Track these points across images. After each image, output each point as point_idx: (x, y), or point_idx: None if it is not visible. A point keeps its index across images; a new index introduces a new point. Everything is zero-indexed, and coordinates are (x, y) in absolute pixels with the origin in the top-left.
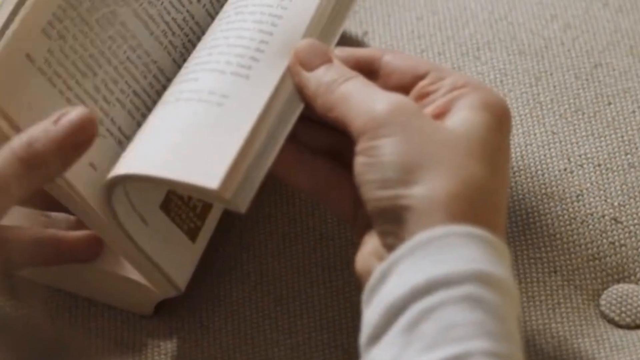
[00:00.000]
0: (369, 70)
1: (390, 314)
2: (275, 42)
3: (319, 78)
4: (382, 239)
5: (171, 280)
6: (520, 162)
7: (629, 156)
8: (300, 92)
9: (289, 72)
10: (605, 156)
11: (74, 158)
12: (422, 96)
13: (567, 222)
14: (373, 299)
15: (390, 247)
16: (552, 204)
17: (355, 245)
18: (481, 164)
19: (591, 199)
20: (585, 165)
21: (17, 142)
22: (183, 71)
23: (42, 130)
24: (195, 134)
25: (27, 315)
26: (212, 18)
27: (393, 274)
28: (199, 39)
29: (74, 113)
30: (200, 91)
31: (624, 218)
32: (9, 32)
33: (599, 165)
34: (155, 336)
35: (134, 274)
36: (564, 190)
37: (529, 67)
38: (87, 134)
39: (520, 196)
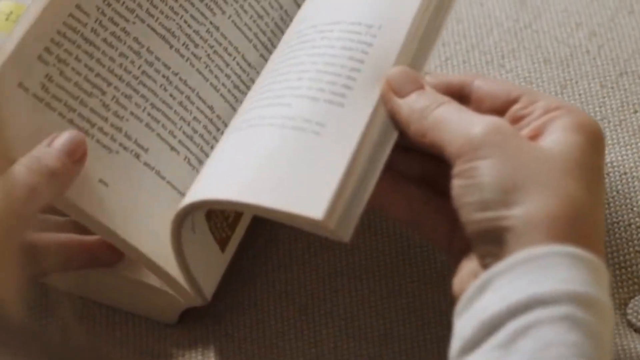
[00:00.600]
0: (460, 96)
1: (485, 329)
2: (367, 70)
3: (411, 104)
4: (481, 261)
5: (200, 290)
6: None
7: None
8: (393, 119)
9: (382, 99)
10: (632, 164)
11: (73, 175)
12: (516, 120)
13: None
14: (466, 313)
15: (488, 267)
16: None
17: (382, 254)
18: (578, 184)
19: (617, 207)
20: (611, 174)
21: (27, 159)
22: (267, 93)
23: (41, 150)
24: (294, 162)
25: (59, 324)
26: (237, 27)
27: (489, 290)
28: (225, 49)
29: (64, 134)
30: (295, 118)
31: None
32: None
33: (625, 173)
34: (180, 345)
35: (158, 282)
36: None
37: (554, 75)
38: (80, 150)
39: None
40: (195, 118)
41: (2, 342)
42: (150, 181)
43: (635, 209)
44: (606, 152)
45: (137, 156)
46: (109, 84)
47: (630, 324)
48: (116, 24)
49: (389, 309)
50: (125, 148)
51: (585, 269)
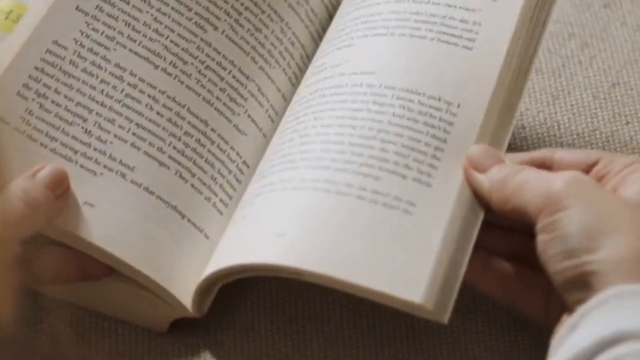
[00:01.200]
0: (543, 167)
1: None
2: (449, 150)
3: (492, 176)
4: (573, 309)
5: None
6: None
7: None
8: (476, 194)
9: (464, 176)
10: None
11: (58, 206)
12: (598, 180)
13: None
14: (558, 350)
15: None
16: None
17: None
18: None
19: None
20: None
21: (13, 189)
22: (351, 157)
23: (27, 182)
24: (388, 241)
25: (50, 329)
26: (232, 41)
27: (580, 327)
28: (219, 64)
29: (47, 168)
30: (386, 195)
31: None
32: None
33: None
34: (169, 354)
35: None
36: None
37: (546, 86)
38: (62, 185)
39: None
40: (186, 133)
41: None
42: (139, 198)
43: None
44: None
45: (123, 176)
46: (90, 111)
47: None
48: (96, 54)
49: (379, 319)
50: (110, 169)
51: None
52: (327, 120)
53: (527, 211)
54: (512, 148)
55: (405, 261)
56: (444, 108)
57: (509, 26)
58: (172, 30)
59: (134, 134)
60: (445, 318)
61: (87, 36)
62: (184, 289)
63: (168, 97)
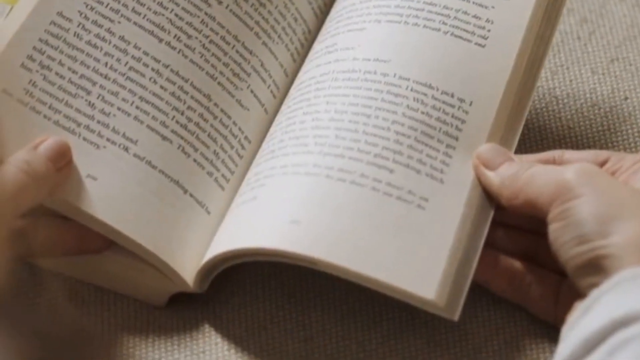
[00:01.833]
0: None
1: (588, 345)
2: (461, 147)
3: (502, 173)
4: (585, 294)
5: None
6: None
7: None
8: (486, 190)
9: (474, 174)
10: (622, 151)
11: (60, 179)
12: None
13: None
14: (570, 333)
15: None
16: None
17: None
18: None
19: None
20: None
21: (16, 160)
22: (366, 146)
23: (29, 153)
24: (401, 236)
25: (48, 302)
26: (236, 15)
27: (594, 309)
28: (222, 38)
29: (49, 140)
30: (400, 189)
31: None
32: None
33: None
34: (168, 327)
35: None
36: None
37: (545, 62)
38: (65, 158)
39: None
40: (189, 107)
41: None
42: (141, 172)
43: None
44: (596, 138)
45: (126, 149)
46: (94, 84)
47: None
48: (100, 26)
49: (377, 293)
50: (113, 142)
51: None
52: (341, 106)
53: (538, 202)
54: None
55: (418, 256)
56: (457, 105)
57: (520, 25)
58: (177, 4)
59: (137, 107)
60: (456, 315)
61: (92, 8)
62: (185, 264)
63: (172, 71)
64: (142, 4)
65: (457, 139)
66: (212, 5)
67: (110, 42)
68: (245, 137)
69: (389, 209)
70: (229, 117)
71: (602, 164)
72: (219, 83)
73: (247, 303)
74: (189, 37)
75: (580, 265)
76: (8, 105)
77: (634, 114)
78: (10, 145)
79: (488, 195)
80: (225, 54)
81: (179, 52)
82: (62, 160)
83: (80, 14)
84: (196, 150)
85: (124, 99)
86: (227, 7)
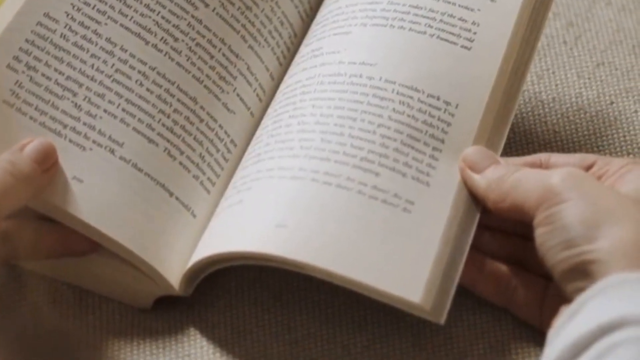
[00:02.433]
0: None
1: (575, 350)
2: (447, 150)
3: (488, 176)
4: (572, 298)
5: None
6: None
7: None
8: (472, 194)
9: (461, 177)
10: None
11: (46, 180)
12: None
13: None
14: (556, 338)
15: None
16: None
17: None
18: None
19: None
20: None
21: (0, 162)
22: (352, 150)
23: (15, 155)
24: (386, 239)
25: (32, 305)
26: (222, 19)
27: (580, 313)
28: (209, 41)
29: (35, 142)
30: (385, 192)
31: None
32: None
33: None
34: (153, 330)
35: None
36: None
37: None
38: (50, 160)
39: None
40: (175, 110)
41: None
42: (127, 174)
43: None
44: (582, 143)
45: (112, 151)
46: (80, 85)
47: None
48: (87, 28)
49: (363, 296)
50: (99, 145)
51: None
52: (326, 110)
53: (524, 207)
54: None
55: (404, 260)
56: (443, 108)
57: (506, 28)
58: (163, 6)
59: (123, 109)
60: (442, 319)
61: (79, 10)
62: (171, 267)
63: (158, 73)
64: (129, 6)
65: (443, 141)
66: (198, 8)
67: (96, 44)
68: (231, 141)
69: (374, 213)
70: (215, 121)
71: (588, 168)
72: (205, 86)
73: (233, 306)
74: (176, 39)
75: (566, 270)
76: None
77: (619, 119)
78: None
79: (474, 199)
80: (212, 57)
81: (165, 54)
82: (47, 161)
83: (67, 15)
84: (182, 153)
85: (110, 101)
86: (213, 10)
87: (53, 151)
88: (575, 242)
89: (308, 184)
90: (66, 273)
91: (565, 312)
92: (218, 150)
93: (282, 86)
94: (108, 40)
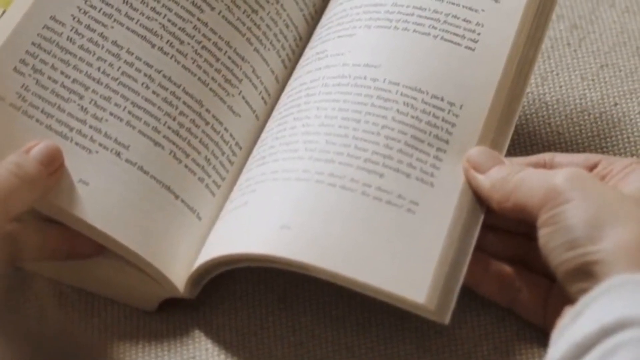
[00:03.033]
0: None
1: (578, 351)
2: (451, 151)
3: (492, 176)
4: (576, 299)
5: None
6: None
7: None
8: (477, 194)
9: (465, 177)
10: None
11: (51, 183)
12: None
13: None
14: (560, 338)
15: None
16: None
17: None
18: None
19: None
20: None
21: (8, 163)
22: (356, 151)
23: (21, 157)
24: (390, 240)
25: (38, 308)
26: (228, 22)
27: (584, 314)
28: (215, 44)
29: (41, 145)
30: (390, 193)
31: None
32: None
33: None
34: (158, 332)
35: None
36: None
37: (535, 67)
38: (56, 162)
39: None
40: (181, 113)
41: None
42: (133, 177)
43: None
44: (586, 144)
45: (118, 154)
46: (87, 88)
47: None
48: (93, 30)
49: (367, 298)
50: (105, 147)
51: None
52: (331, 112)
53: (528, 207)
54: None
55: (409, 260)
56: (447, 109)
57: (510, 29)
58: (170, 9)
59: (129, 112)
60: (446, 319)
61: (85, 12)
62: (176, 270)
63: (164, 76)
64: (135, 9)
65: (447, 142)
66: (204, 11)
67: (103, 47)
68: (237, 143)
69: (378, 214)
70: (221, 123)
71: (592, 168)
72: (210, 89)
73: (238, 308)
74: (182, 42)
75: (570, 271)
76: (0, 109)
77: (623, 120)
78: (2, 149)
79: (478, 199)
80: (218, 60)
81: (171, 57)
82: (53, 164)
83: (74, 18)
84: (187, 156)
85: (116, 104)
86: (219, 13)
87: (59, 154)
88: (578, 243)
89: (312, 185)
90: (71, 276)
91: (569, 313)
92: (223, 153)
93: (287, 89)
94: (114, 43)
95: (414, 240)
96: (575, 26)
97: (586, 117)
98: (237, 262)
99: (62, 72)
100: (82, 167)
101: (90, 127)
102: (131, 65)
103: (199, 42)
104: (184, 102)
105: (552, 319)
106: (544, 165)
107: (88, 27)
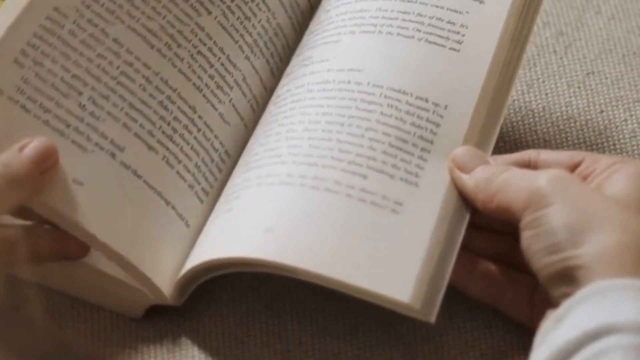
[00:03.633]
0: (527, 168)
1: (561, 355)
2: (436, 151)
3: (477, 176)
4: (558, 303)
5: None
6: None
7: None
8: (461, 193)
9: (450, 177)
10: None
11: (43, 181)
12: (582, 179)
13: None
14: (542, 343)
15: None
16: None
17: None
18: None
19: None
20: None
21: None
22: (339, 154)
23: (11, 156)
24: (375, 240)
25: (28, 316)
26: (223, 28)
27: (566, 320)
28: (210, 49)
29: (35, 142)
30: (374, 194)
31: None
32: None
33: None
34: (145, 339)
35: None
36: None
37: (520, 75)
38: (50, 160)
39: None
40: (175, 118)
41: None
42: (126, 180)
43: None
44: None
45: (113, 155)
46: (86, 85)
47: None
48: (95, 25)
49: (354, 305)
50: (100, 147)
51: None
52: (315, 117)
53: (511, 209)
54: None
55: (393, 260)
56: (431, 109)
57: (495, 29)
58: (169, 10)
59: (126, 113)
60: (432, 317)
61: (88, 6)
62: (163, 277)
63: (161, 79)
64: (136, 7)
65: (432, 142)
66: (202, 15)
67: (103, 44)
68: (226, 151)
69: (363, 214)
70: (211, 131)
71: (576, 165)
72: (204, 95)
73: (224, 315)
74: (179, 45)
75: (552, 275)
76: None
77: (609, 127)
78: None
79: (464, 198)
80: (211, 65)
81: (168, 60)
82: (46, 162)
83: (77, 11)
84: (180, 162)
85: (114, 104)
86: (215, 18)
87: (53, 152)
88: (560, 247)
89: (296, 189)
90: (59, 281)
91: (550, 317)
92: (213, 161)
93: (274, 97)
94: (115, 40)
95: (399, 240)
96: (561, 33)
97: (572, 124)
98: (222, 267)
99: (62, 66)
100: (77, 166)
101: (88, 125)
102: (130, 65)
103: (196, 47)
104: (179, 107)
105: (538, 318)
106: (529, 163)
107: (90, 21)
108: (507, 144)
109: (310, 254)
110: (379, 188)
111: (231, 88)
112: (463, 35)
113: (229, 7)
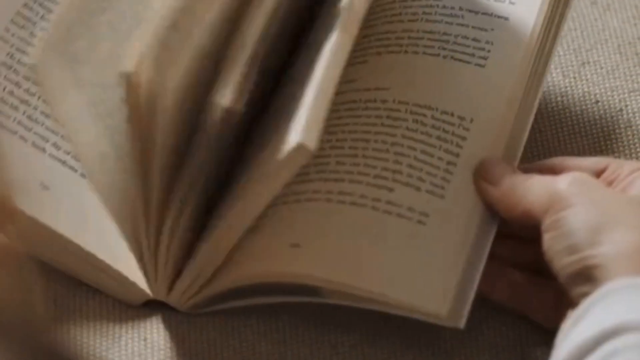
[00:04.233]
0: (553, 174)
1: (579, 354)
2: (462, 163)
3: (501, 185)
4: (578, 303)
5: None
6: None
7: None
8: (487, 203)
9: (475, 187)
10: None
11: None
12: (607, 186)
13: None
14: (563, 342)
15: None
16: None
17: None
18: None
19: None
20: None
21: None
22: (365, 169)
23: None
24: (401, 251)
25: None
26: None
27: (585, 318)
28: None
29: None
30: (399, 206)
31: None
32: None
33: None
34: (142, 329)
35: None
36: None
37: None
38: None
39: None
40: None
41: None
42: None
43: None
44: (567, 141)
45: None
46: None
47: None
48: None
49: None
50: (67, 152)
51: None
52: (341, 135)
53: (533, 212)
54: None
55: (420, 271)
56: (457, 123)
57: (521, 43)
58: None
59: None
60: (461, 324)
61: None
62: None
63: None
64: None
65: (458, 155)
66: None
67: None
68: None
69: (388, 226)
70: None
71: (601, 172)
72: None
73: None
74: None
75: (571, 275)
76: None
77: (604, 118)
78: None
79: (490, 208)
80: None
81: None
82: None
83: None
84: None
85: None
86: None
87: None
88: (579, 247)
89: (321, 204)
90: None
91: (570, 316)
92: None
93: None
94: None
95: (425, 251)
96: None
97: (567, 114)
98: (247, 287)
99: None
100: (42, 170)
101: (47, 128)
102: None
103: None
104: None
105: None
106: (554, 170)
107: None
108: None
109: (337, 266)
110: (405, 200)
111: None
112: (488, 52)
113: None
